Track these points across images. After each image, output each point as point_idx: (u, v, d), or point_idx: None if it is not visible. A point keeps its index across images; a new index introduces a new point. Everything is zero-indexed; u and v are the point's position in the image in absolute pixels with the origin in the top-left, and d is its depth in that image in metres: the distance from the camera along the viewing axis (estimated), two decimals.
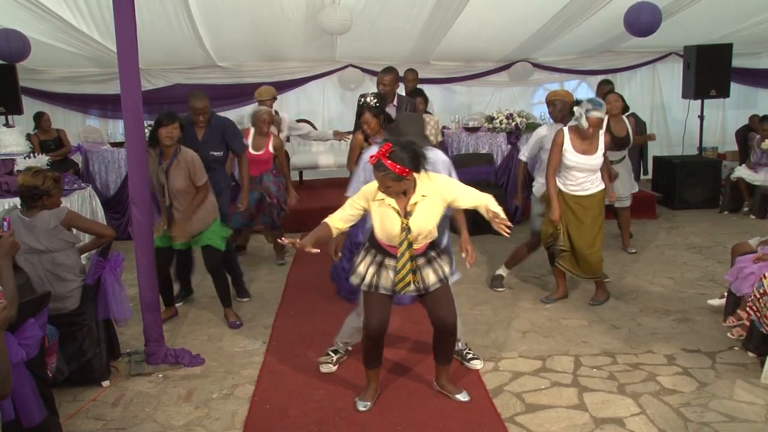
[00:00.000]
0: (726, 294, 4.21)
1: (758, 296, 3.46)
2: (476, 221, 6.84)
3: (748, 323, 3.70)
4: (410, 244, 3.05)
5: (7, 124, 6.92)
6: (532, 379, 3.57)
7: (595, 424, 3.09)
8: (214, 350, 4.06)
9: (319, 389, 3.48)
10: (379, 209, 3.04)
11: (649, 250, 6.04)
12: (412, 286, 3.13)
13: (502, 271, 5.08)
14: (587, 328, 4.26)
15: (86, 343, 3.53)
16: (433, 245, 3.22)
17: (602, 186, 4.50)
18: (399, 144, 2.89)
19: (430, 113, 6.06)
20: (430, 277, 3.16)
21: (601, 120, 4.31)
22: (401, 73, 6.80)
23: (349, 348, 3.80)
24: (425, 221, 3.04)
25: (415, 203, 3.01)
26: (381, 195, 3.01)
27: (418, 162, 2.92)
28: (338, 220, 3.13)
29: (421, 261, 3.15)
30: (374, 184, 3.04)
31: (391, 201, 3.00)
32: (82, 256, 3.75)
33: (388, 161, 2.85)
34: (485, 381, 3.53)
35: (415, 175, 2.97)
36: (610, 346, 3.95)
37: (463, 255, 3.34)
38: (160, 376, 3.71)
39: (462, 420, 3.14)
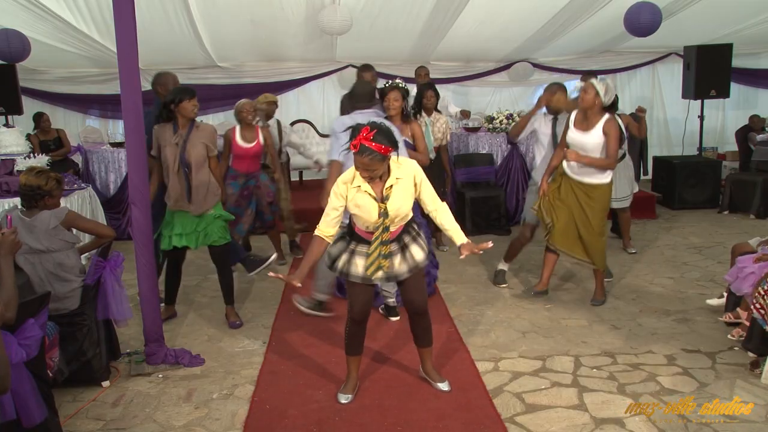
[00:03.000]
0: (726, 294, 4.21)
1: (762, 293, 3.45)
2: (475, 221, 6.95)
3: (747, 323, 3.69)
4: (386, 228, 3.06)
5: (7, 124, 6.92)
6: (532, 379, 3.57)
7: (595, 424, 3.09)
8: (214, 350, 4.06)
9: (319, 389, 3.48)
10: (356, 196, 3.04)
11: (649, 250, 6.04)
12: (381, 273, 3.14)
13: (502, 266, 5.12)
14: (587, 328, 4.26)
15: (86, 344, 3.53)
16: (410, 225, 3.24)
17: (607, 179, 4.43)
18: (375, 126, 2.91)
19: (439, 112, 5.93)
20: (402, 266, 3.18)
21: (593, 89, 4.25)
22: (413, 71, 6.92)
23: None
24: (402, 203, 3.06)
25: (391, 186, 3.04)
26: (358, 182, 3.02)
27: (394, 139, 2.95)
28: (327, 228, 3.12)
29: (394, 247, 3.16)
30: (348, 173, 3.06)
31: (368, 187, 3.01)
32: (82, 256, 3.75)
33: (373, 144, 2.85)
34: (485, 381, 3.53)
35: (391, 160, 3.01)
36: (610, 346, 3.95)
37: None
38: (160, 376, 3.71)
39: (462, 420, 3.13)
